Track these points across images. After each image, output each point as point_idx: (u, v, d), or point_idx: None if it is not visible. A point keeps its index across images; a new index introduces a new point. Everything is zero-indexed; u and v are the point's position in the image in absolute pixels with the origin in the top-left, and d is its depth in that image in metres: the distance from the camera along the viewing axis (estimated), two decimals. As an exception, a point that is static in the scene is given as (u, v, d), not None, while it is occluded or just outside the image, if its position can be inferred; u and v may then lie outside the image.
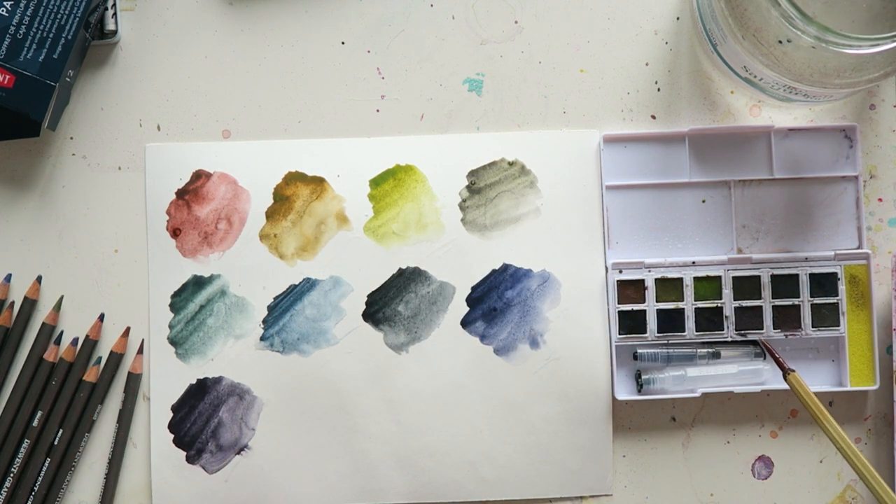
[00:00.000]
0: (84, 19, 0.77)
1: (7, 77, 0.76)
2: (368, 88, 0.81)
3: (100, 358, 0.80)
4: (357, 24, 0.81)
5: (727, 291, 0.79)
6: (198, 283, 0.80)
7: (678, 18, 0.82)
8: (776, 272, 0.79)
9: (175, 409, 0.80)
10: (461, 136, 0.81)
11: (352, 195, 0.81)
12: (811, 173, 0.80)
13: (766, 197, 0.80)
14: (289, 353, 0.80)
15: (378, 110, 0.81)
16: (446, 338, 0.80)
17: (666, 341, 0.80)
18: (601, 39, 0.81)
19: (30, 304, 0.80)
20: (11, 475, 0.79)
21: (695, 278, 0.79)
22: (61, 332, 0.80)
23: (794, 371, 0.77)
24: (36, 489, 0.79)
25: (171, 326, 0.80)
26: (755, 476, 0.81)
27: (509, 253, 0.80)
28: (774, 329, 0.79)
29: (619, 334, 0.79)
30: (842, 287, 0.79)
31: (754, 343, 0.80)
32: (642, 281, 0.79)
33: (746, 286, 0.79)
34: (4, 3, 0.76)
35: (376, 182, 0.81)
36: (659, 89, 0.81)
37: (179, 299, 0.80)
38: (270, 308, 0.80)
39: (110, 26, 0.80)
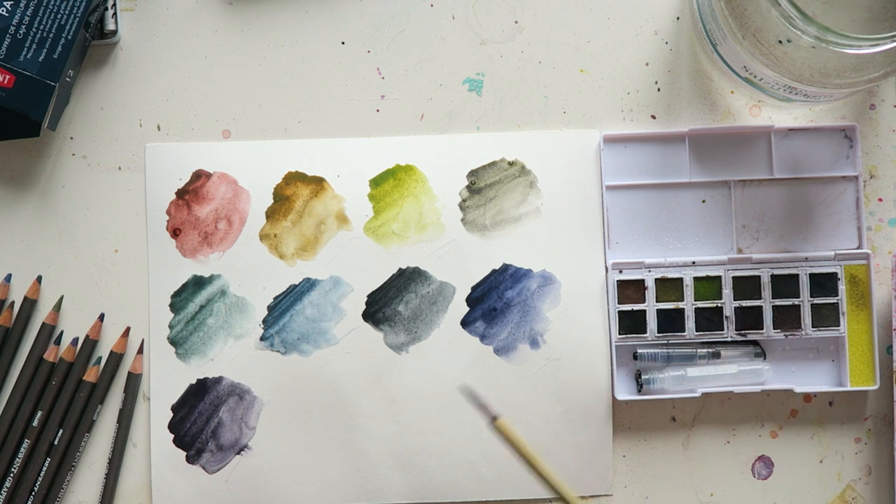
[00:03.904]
0: (84, 19, 0.77)
1: (7, 77, 0.76)
2: (368, 88, 0.81)
3: (100, 358, 0.80)
4: (357, 24, 0.81)
5: (727, 291, 0.79)
6: (198, 283, 0.80)
7: (678, 18, 0.82)
8: (776, 272, 0.79)
9: (175, 409, 0.80)
10: (461, 136, 0.81)
11: (352, 195, 0.81)
12: (811, 173, 0.80)
13: (766, 197, 0.80)
14: (289, 353, 0.80)
15: (378, 110, 0.81)
16: (446, 338, 0.80)
17: (666, 341, 0.80)
18: (601, 39, 0.81)
19: (30, 304, 0.80)
20: (11, 475, 0.79)
21: (695, 278, 0.79)
22: (61, 332, 0.80)
23: (500, 416, 0.69)
24: (36, 489, 0.79)
25: (171, 326, 0.80)
26: (755, 476, 0.81)
27: (509, 253, 0.80)
28: (774, 329, 0.79)
29: (619, 334, 0.79)
30: (842, 287, 0.79)
31: (754, 343, 0.80)
32: (642, 281, 0.79)
33: (746, 286, 0.79)
34: (4, 3, 0.76)
35: (376, 182, 0.81)
36: (659, 89, 0.81)
37: (179, 299, 0.80)
38: (270, 308, 0.80)
39: (110, 26, 0.80)
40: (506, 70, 0.81)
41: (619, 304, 0.79)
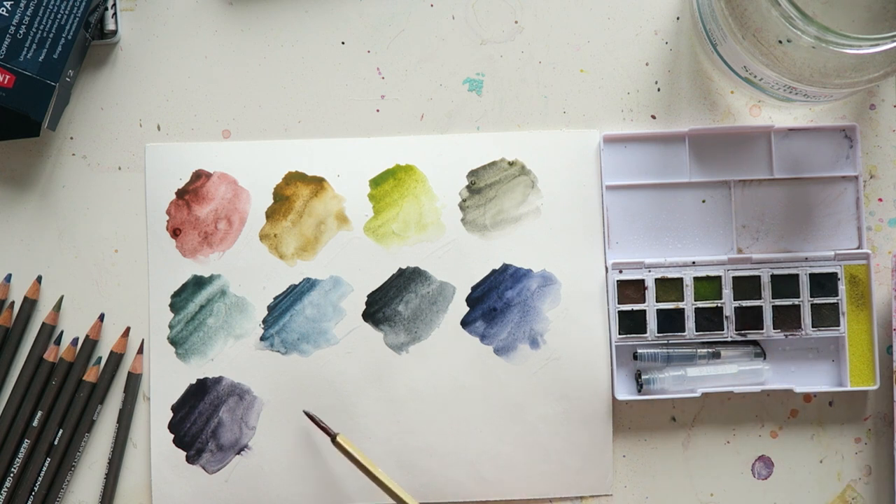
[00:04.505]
0: (84, 19, 0.77)
1: (7, 77, 0.76)
2: (368, 88, 0.81)
3: (100, 358, 0.80)
4: (357, 24, 0.81)
5: (727, 291, 0.79)
6: (198, 283, 0.80)
7: (678, 18, 0.82)
8: (776, 272, 0.79)
9: (175, 409, 0.80)
10: (461, 136, 0.81)
11: (352, 195, 0.81)
12: (811, 173, 0.80)
13: (766, 197, 0.80)
14: (289, 353, 0.80)
15: (378, 110, 0.81)
16: (446, 338, 0.80)
17: (666, 341, 0.80)
18: (601, 39, 0.81)
19: (30, 304, 0.80)
20: (11, 475, 0.79)
21: (695, 278, 0.79)
22: (61, 332, 0.80)
23: (339, 434, 0.77)
24: (36, 489, 0.79)
25: (171, 326, 0.80)
26: (755, 476, 0.81)
27: (509, 253, 0.80)
28: (774, 329, 0.79)
29: (619, 334, 0.79)
30: (842, 287, 0.79)
31: (754, 343, 0.80)
32: (642, 281, 0.79)
33: (746, 286, 0.79)
34: (4, 3, 0.76)
35: (376, 182, 0.81)
36: (659, 89, 0.81)
37: (179, 299, 0.80)
38: (270, 308, 0.80)
39: (110, 26, 0.80)
40: (506, 70, 0.81)
41: (619, 304, 0.79)
